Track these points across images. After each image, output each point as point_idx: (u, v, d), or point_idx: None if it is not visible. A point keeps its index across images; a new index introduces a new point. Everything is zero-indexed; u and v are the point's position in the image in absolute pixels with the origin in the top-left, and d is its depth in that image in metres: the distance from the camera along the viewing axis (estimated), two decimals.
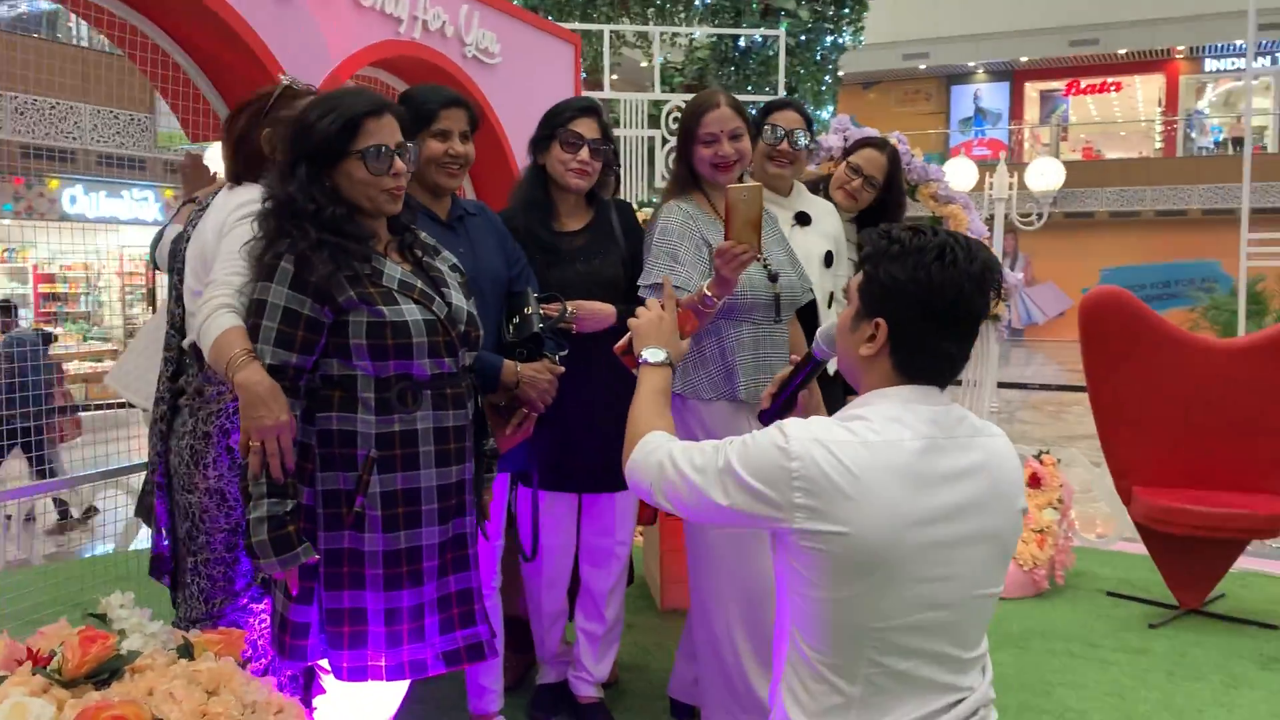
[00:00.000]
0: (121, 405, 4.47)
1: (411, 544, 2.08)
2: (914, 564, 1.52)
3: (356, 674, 2.07)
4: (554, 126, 2.81)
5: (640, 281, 2.73)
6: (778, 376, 2.03)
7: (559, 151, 2.80)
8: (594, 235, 2.89)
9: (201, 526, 2.15)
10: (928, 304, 1.56)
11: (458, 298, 2.19)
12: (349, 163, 2.02)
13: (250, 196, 2.15)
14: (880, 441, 1.53)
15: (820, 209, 3.23)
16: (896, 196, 3.56)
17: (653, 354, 1.93)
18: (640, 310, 2.01)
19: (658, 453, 1.71)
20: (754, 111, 3.13)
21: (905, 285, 1.56)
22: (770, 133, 3.03)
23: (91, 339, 13.07)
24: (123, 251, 14.07)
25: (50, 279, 14.19)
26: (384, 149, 2.03)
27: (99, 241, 13.95)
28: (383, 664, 2.07)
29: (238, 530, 2.09)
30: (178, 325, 2.35)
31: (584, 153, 2.79)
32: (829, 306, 3.13)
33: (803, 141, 3.05)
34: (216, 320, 2.00)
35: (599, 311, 2.75)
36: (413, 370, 2.06)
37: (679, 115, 6.81)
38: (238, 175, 2.28)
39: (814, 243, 3.10)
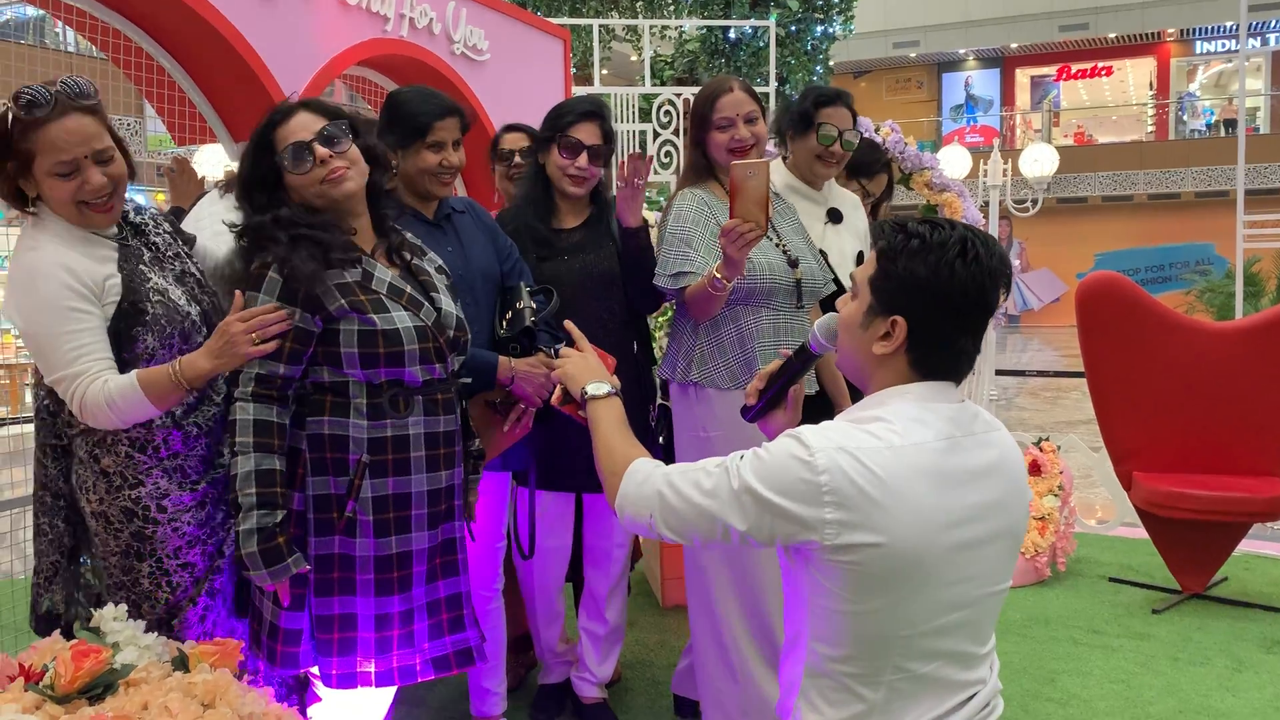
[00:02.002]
0: None
1: (402, 549, 2.07)
2: (943, 568, 1.47)
3: (346, 680, 2.05)
4: (555, 130, 2.78)
5: (658, 270, 2.69)
6: (764, 371, 1.90)
7: (557, 156, 2.78)
8: (590, 231, 2.87)
9: (97, 553, 2.07)
10: (950, 301, 1.50)
11: (446, 302, 2.16)
12: (285, 174, 2.02)
13: (29, 259, 1.93)
14: (905, 444, 1.47)
15: (849, 203, 3.18)
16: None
17: (596, 387, 1.78)
18: (558, 362, 1.89)
19: (652, 481, 1.59)
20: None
21: (927, 282, 1.50)
22: (823, 132, 2.94)
23: None
24: None
25: None
26: (300, 145, 2.00)
27: None
28: (372, 670, 2.06)
29: (129, 553, 2.01)
30: None
31: (582, 159, 2.77)
32: None
33: (854, 140, 2.99)
34: (110, 386, 1.89)
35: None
36: (404, 377, 2.04)
37: (670, 109, 6.80)
38: (8, 202, 1.99)
39: (847, 241, 3.06)
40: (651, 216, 4.71)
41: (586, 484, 2.87)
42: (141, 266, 2.01)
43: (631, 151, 2.49)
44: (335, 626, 2.04)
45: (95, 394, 1.89)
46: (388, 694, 2.22)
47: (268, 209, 2.00)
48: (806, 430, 1.49)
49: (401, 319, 2.03)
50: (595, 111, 2.80)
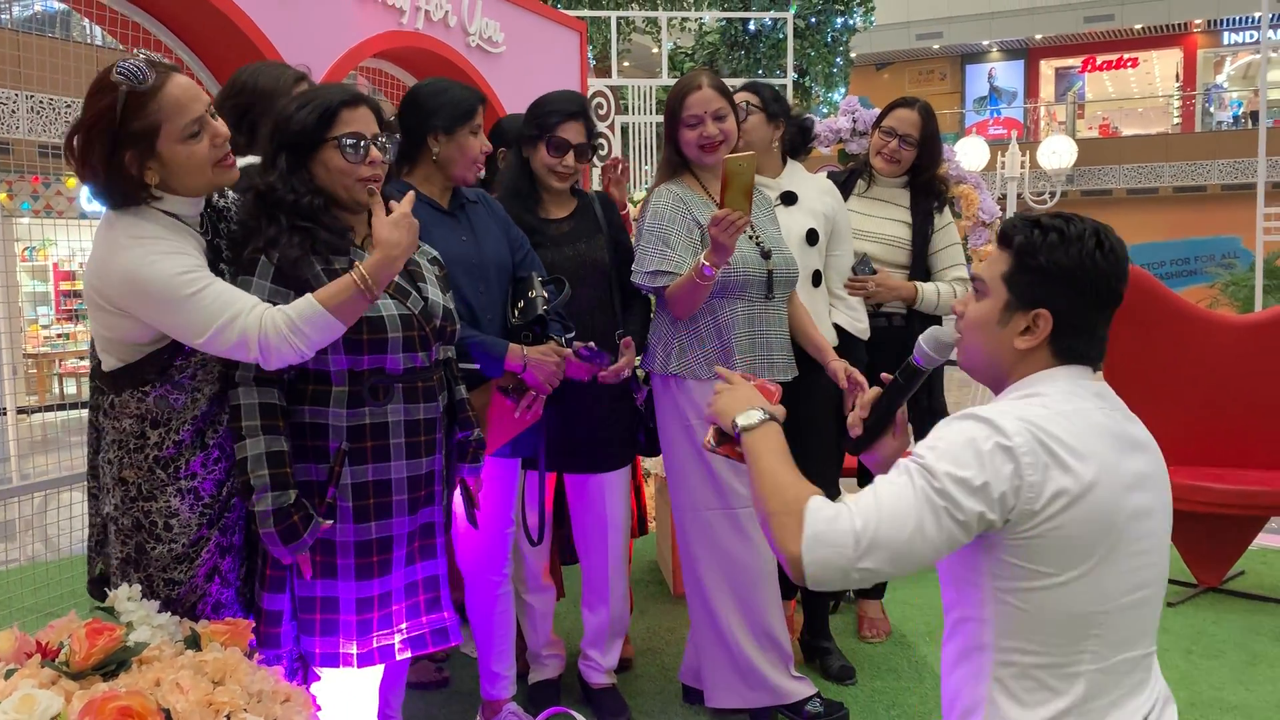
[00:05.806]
0: None
1: (382, 534, 2.11)
2: (1128, 534, 1.50)
3: (328, 660, 2.10)
4: (542, 129, 2.82)
5: (635, 268, 2.78)
6: (866, 399, 1.81)
7: (545, 154, 2.83)
8: (579, 222, 2.94)
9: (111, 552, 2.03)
10: (1094, 290, 1.56)
11: (434, 292, 2.20)
12: (326, 151, 2.03)
13: (136, 232, 1.85)
14: (1073, 410, 1.52)
15: (814, 189, 3.20)
16: (933, 149, 3.51)
17: (746, 417, 1.65)
18: (713, 397, 1.75)
19: (843, 517, 1.45)
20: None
21: (1072, 273, 1.55)
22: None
23: None
24: None
25: (70, 276, 14.22)
26: (360, 137, 2.03)
27: None
28: (354, 651, 2.10)
29: (128, 561, 1.98)
30: None
31: (569, 158, 2.83)
32: (815, 285, 3.11)
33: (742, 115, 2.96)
34: (293, 314, 1.85)
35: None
36: (386, 364, 2.08)
37: None
38: (114, 203, 1.89)
39: (796, 220, 3.09)
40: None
41: (582, 465, 2.93)
42: (221, 264, 2.02)
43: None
44: (317, 608, 2.09)
45: (275, 326, 1.84)
46: (376, 672, 2.25)
47: (288, 175, 2.00)
48: (972, 412, 1.51)
49: (387, 306, 2.06)
50: (581, 111, 2.86)
